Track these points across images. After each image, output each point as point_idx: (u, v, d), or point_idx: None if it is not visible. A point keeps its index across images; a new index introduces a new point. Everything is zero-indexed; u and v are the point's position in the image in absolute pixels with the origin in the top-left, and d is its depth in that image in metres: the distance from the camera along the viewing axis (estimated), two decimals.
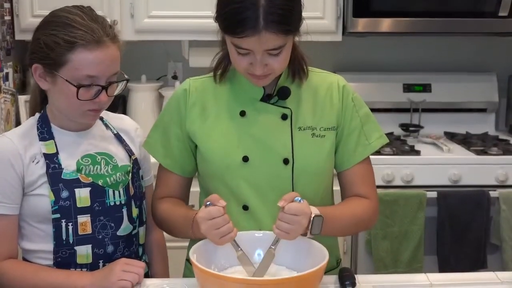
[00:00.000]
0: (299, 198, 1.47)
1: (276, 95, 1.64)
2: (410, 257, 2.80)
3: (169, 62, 3.38)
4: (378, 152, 2.50)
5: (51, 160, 1.59)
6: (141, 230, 1.73)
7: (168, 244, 1.87)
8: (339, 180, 1.71)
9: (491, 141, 3.11)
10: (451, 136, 3.21)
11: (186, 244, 1.74)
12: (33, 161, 1.58)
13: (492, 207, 2.82)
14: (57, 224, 1.57)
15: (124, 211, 1.65)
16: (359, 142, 1.67)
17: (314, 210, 1.49)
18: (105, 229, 1.62)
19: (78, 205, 1.58)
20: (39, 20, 1.60)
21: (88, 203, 1.59)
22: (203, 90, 1.68)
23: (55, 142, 1.61)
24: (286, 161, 1.61)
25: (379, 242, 2.79)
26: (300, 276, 1.40)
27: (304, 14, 1.54)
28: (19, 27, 2.91)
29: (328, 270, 1.63)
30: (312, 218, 1.47)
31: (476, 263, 2.83)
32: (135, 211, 1.68)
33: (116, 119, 1.76)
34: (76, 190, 1.58)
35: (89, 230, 1.60)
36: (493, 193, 2.81)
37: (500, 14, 2.98)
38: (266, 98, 1.64)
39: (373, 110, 1.76)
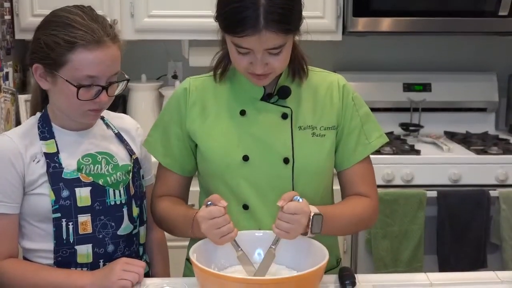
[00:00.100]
0: (298, 197, 1.47)
1: (276, 94, 1.64)
2: (410, 256, 2.80)
3: (169, 62, 3.38)
4: (378, 152, 2.50)
5: (52, 159, 1.59)
6: (142, 230, 1.73)
7: (168, 243, 1.87)
8: (339, 180, 1.71)
9: (491, 141, 3.11)
10: (451, 136, 3.21)
11: (186, 243, 1.74)
12: (33, 160, 1.58)
13: (492, 207, 2.82)
14: (58, 224, 1.57)
15: (125, 210, 1.65)
16: (359, 142, 1.67)
17: (314, 209, 1.49)
18: (105, 228, 1.62)
19: (79, 204, 1.58)
20: (39, 19, 1.60)
21: (88, 203, 1.59)
22: (203, 89, 1.68)
23: (55, 141, 1.61)
24: (286, 161, 1.61)
25: (379, 242, 2.79)
26: (300, 275, 1.40)
27: (304, 13, 1.54)
28: (19, 26, 2.91)
29: (328, 270, 1.63)
30: (311, 217, 1.47)
31: (476, 263, 2.83)
32: (135, 211, 1.68)
33: (117, 119, 1.76)
34: (77, 189, 1.58)
35: (89, 230, 1.60)
36: (493, 193, 2.81)
37: (500, 13, 2.98)
38: (266, 98, 1.64)
39: (373, 109, 1.76)
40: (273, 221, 1.48)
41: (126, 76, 1.63)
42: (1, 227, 1.58)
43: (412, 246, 2.79)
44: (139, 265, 1.57)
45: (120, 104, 3.15)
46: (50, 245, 1.59)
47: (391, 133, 3.22)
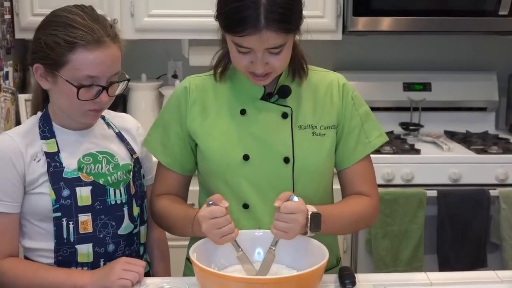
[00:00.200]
0: (294, 197, 1.47)
1: (277, 93, 1.64)
2: (410, 256, 2.80)
3: (169, 61, 3.37)
4: (378, 151, 2.50)
5: (52, 158, 1.59)
6: (142, 229, 1.73)
7: (168, 243, 1.87)
8: (339, 179, 1.71)
9: (491, 140, 3.11)
10: (451, 135, 3.21)
11: (186, 243, 1.74)
12: (34, 160, 1.58)
13: (492, 206, 2.82)
14: (58, 223, 1.58)
15: (125, 210, 1.65)
16: (359, 141, 1.67)
17: (311, 208, 1.49)
18: (106, 228, 1.62)
19: (79, 203, 1.58)
20: (39, 18, 1.60)
21: (89, 202, 1.59)
22: (204, 88, 1.68)
23: (56, 140, 1.61)
24: (286, 160, 1.61)
25: (379, 241, 2.79)
26: (300, 275, 1.40)
27: (304, 13, 1.54)
28: (19, 25, 2.91)
29: (328, 269, 1.63)
30: (309, 216, 1.47)
31: (476, 262, 2.83)
32: (136, 210, 1.68)
33: (118, 118, 1.76)
34: (77, 188, 1.58)
35: (90, 229, 1.60)
36: (493, 192, 2.81)
37: (500, 13, 2.98)
38: (266, 97, 1.64)
39: (373, 109, 1.77)
40: (273, 220, 1.48)
41: (127, 76, 1.63)
42: (2, 226, 1.58)
43: (412, 246, 2.79)
44: (139, 265, 1.57)
45: (120, 104, 3.15)
46: (50, 244, 1.59)
47: (391, 132, 3.22)
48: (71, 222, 1.58)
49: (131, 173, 1.68)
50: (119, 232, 1.64)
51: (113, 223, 1.63)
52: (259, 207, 1.62)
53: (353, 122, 1.67)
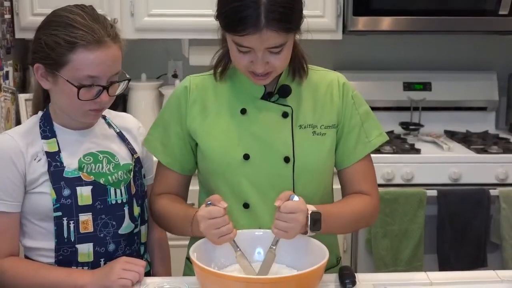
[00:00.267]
0: (294, 196, 1.47)
1: (277, 93, 1.64)
2: (410, 255, 2.80)
3: (169, 61, 3.38)
4: (378, 151, 2.50)
5: (53, 158, 1.59)
6: (143, 229, 1.73)
7: (168, 242, 1.87)
8: (339, 178, 1.71)
9: (491, 140, 3.11)
10: (451, 135, 3.21)
11: (186, 242, 1.74)
12: (35, 159, 1.58)
13: (492, 206, 2.82)
14: (59, 222, 1.58)
15: (126, 209, 1.65)
16: (359, 140, 1.67)
17: (311, 208, 1.49)
18: (106, 227, 1.62)
19: (80, 203, 1.58)
20: (39, 18, 1.60)
21: (89, 202, 1.59)
22: (204, 88, 1.68)
23: (57, 140, 1.61)
24: (287, 159, 1.61)
25: (379, 241, 2.79)
26: (300, 274, 1.40)
27: (304, 12, 1.54)
28: (19, 25, 2.91)
29: (328, 268, 1.62)
30: (309, 215, 1.47)
31: (476, 262, 2.83)
32: (136, 210, 1.68)
33: (118, 118, 1.76)
34: (78, 188, 1.58)
35: (90, 229, 1.60)
36: (493, 192, 2.81)
37: (501, 12, 2.98)
38: (266, 96, 1.64)
39: (373, 108, 1.77)
40: (274, 220, 1.48)
41: (127, 76, 1.63)
42: (2, 225, 1.58)
43: (412, 245, 2.79)
44: (139, 264, 1.57)
45: (120, 103, 3.15)
46: (51, 244, 1.59)
47: (391, 132, 3.22)
48: (71, 222, 1.58)
49: (132, 172, 1.68)
50: (119, 232, 1.64)
51: (114, 223, 1.63)
52: (260, 206, 1.62)
53: (353, 121, 1.67)
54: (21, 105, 2.88)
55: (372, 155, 1.71)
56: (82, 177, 1.60)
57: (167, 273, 1.83)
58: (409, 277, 1.65)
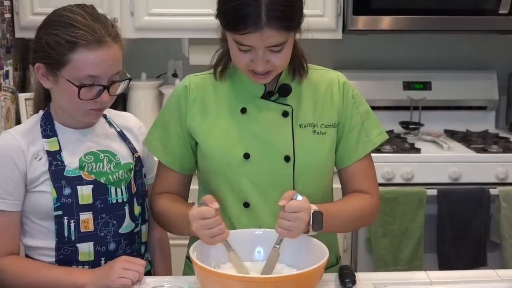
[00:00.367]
0: (298, 195, 1.48)
1: (277, 92, 1.64)
2: (410, 255, 2.80)
3: (169, 60, 3.37)
4: (378, 150, 2.50)
5: (54, 157, 1.59)
6: (144, 228, 1.73)
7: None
8: (340, 177, 1.71)
9: (491, 139, 3.11)
10: (451, 134, 3.22)
11: (186, 242, 1.74)
12: (35, 158, 1.58)
13: (492, 205, 2.82)
14: (59, 221, 1.58)
15: (126, 208, 1.65)
16: (360, 139, 1.67)
17: (313, 207, 1.49)
18: (107, 226, 1.62)
19: (80, 202, 1.58)
20: (39, 18, 1.60)
21: (90, 201, 1.59)
22: (204, 87, 1.68)
23: (58, 139, 1.61)
24: (287, 159, 1.61)
25: (379, 240, 2.79)
26: (300, 273, 1.40)
27: (304, 11, 1.54)
28: (19, 25, 2.91)
29: (328, 267, 1.62)
30: (311, 214, 1.47)
31: (476, 261, 2.83)
32: (137, 209, 1.68)
33: (119, 117, 1.76)
34: (79, 187, 1.58)
35: (91, 228, 1.60)
36: (493, 191, 2.81)
37: (501, 11, 2.98)
38: (267, 95, 1.64)
39: (373, 108, 1.76)
40: (274, 219, 1.49)
41: (128, 75, 1.63)
42: (2, 224, 1.58)
43: (412, 245, 2.79)
44: (139, 264, 1.57)
45: (120, 103, 3.15)
46: (51, 243, 1.59)
47: (391, 131, 3.22)
48: (72, 221, 1.58)
49: (133, 172, 1.68)
50: (120, 231, 1.64)
51: (114, 222, 1.63)
52: (260, 205, 1.62)
53: (354, 120, 1.67)
54: (21, 104, 2.88)
55: (372, 155, 1.71)
56: (83, 176, 1.60)
57: (168, 272, 1.83)
58: (409, 276, 1.65)
